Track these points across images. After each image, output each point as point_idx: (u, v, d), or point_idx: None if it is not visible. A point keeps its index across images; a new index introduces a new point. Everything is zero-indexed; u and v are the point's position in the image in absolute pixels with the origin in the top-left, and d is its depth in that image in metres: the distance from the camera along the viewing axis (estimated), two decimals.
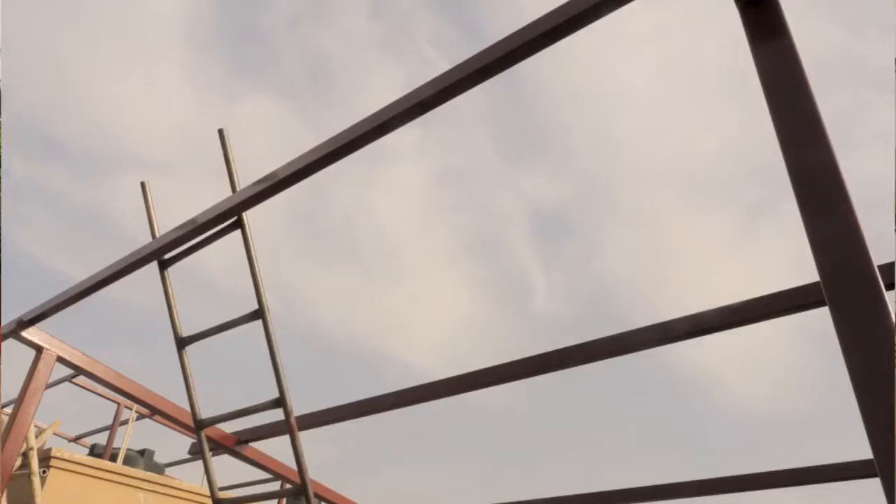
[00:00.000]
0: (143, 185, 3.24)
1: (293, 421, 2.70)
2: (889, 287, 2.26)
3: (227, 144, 2.93)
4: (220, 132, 2.94)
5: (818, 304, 2.50)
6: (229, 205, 2.67)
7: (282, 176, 2.45)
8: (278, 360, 2.72)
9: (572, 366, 3.24)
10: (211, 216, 2.72)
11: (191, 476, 6.82)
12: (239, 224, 2.81)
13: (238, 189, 2.76)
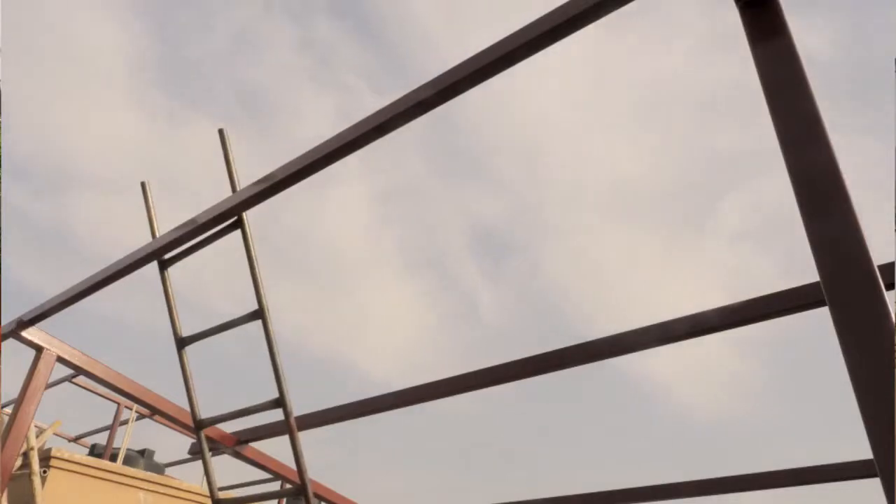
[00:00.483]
0: (143, 185, 3.24)
1: (293, 421, 2.69)
2: (889, 287, 2.26)
3: (228, 144, 2.93)
4: (221, 132, 2.94)
5: (818, 304, 2.50)
6: (229, 205, 2.67)
7: (281, 176, 2.45)
8: (278, 360, 2.72)
9: (572, 366, 3.24)
10: (211, 216, 2.71)
11: (191, 476, 6.82)
12: (239, 224, 2.81)
13: (238, 189, 2.75)
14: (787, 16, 1.57)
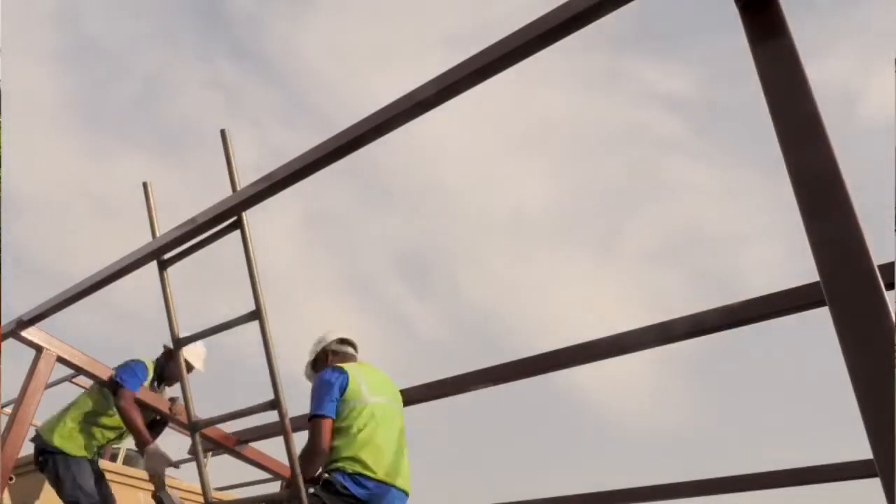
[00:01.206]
0: (144, 185, 3.24)
1: (287, 423, 2.68)
2: (889, 287, 2.26)
3: (229, 144, 2.92)
4: (223, 132, 2.94)
5: (818, 304, 2.50)
6: (229, 204, 2.66)
7: (281, 176, 2.44)
8: (274, 361, 2.71)
9: (572, 366, 3.24)
10: (210, 216, 2.71)
11: (191, 476, 6.82)
12: (238, 224, 2.80)
13: (238, 189, 2.75)
14: (787, 16, 1.57)
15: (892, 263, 2.38)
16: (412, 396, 3.65)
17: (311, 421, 2.81)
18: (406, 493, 2.85)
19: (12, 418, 3.34)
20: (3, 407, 5.65)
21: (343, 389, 2.86)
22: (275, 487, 5.48)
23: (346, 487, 2.66)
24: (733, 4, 1.63)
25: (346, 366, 3.00)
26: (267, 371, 2.74)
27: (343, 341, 3.20)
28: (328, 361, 3.15)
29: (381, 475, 2.75)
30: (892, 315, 1.23)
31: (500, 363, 3.45)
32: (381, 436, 2.84)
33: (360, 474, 2.71)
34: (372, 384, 2.98)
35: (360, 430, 2.80)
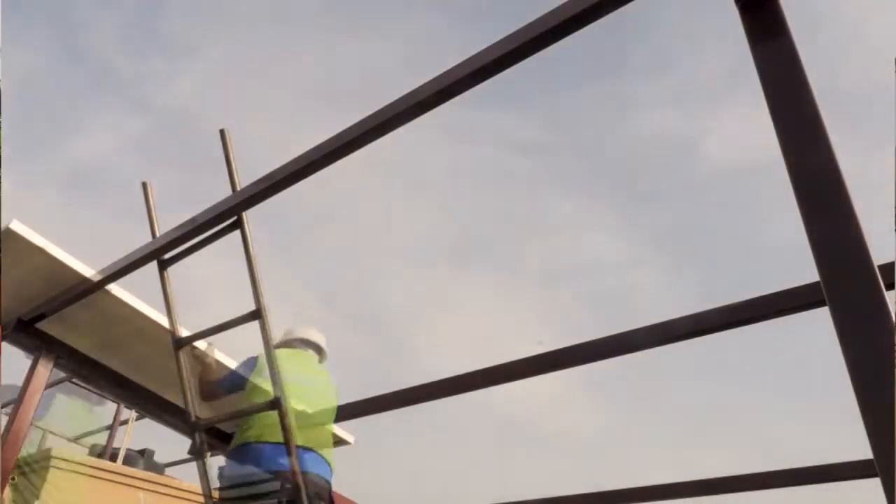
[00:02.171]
0: (144, 184, 3.24)
1: (287, 422, 2.69)
2: (889, 287, 2.25)
3: (229, 144, 2.93)
4: (222, 132, 2.94)
5: (818, 304, 2.50)
6: (229, 204, 2.66)
7: (281, 176, 2.44)
8: (274, 360, 2.72)
9: (572, 366, 3.23)
10: (210, 216, 2.71)
11: (191, 476, 6.81)
12: (238, 224, 2.80)
13: (238, 188, 2.75)
14: (787, 15, 1.57)
15: (892, 263, 2.37)
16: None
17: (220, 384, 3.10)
18: (321, 456, 2.93)
19: (12, 418, 3.34)
20: (3, 407, 5.66)
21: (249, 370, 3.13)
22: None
23: (244, 458, 2.88)
24: (733, 4, 1.63)
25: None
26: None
27: (303, 341, 3.46)
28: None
29: (277, 439, 2.79)
30: (893, 315, 1.23)
31: (501, 363, 3.45)
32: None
33: (258, 441, 2.90)
34: (285, 370, 2.98)
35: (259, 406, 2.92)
